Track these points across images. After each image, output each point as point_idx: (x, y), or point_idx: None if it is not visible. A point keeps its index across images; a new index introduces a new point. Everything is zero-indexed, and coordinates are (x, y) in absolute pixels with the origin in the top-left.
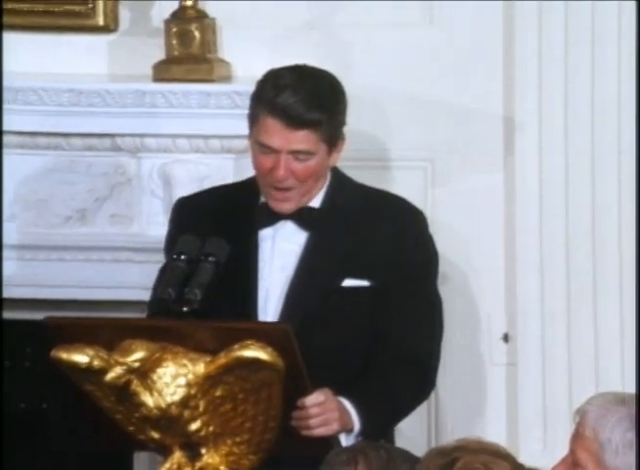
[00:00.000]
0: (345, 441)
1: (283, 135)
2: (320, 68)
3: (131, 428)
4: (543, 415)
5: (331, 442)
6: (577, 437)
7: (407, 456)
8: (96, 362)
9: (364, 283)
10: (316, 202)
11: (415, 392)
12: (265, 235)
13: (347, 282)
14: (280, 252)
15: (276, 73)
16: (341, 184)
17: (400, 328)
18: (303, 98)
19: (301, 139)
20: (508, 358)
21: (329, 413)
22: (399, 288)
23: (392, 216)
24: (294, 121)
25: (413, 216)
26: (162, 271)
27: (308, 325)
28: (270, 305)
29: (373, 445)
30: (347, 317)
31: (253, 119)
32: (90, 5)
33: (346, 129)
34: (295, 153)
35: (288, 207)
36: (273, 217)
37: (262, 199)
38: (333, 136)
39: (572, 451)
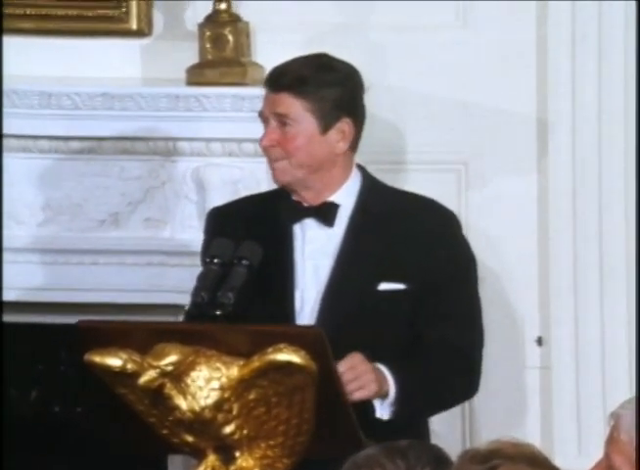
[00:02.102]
0: (380, 409)
1: (268, 99)
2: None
3: (165, 431)
4: (577, 419)
5: (362, 443)
6: (612, 441)
7: (429, 457)
8: (129, 366)
9: (400, 286)
10: (339, 198)
11: (457, 383)
12: (295, 236)
13: (383, 286)
14: (311, 252)
15: None
16: (372, 187)
17: (441, 329)
18: (296, 67)
19: (280, 101)
20: (542, 362)
21: (364, 376)
22: (435, 291)
23: (426, 219)
24: (274, 84)
25: (446, 219)
26: (198, 277)
27: (345, 329)
28: (306, 308)
29: (388, 450)
30: (384, 321)
31: None
32: (124, 9)
33: (379, 132)
34: (277, 118)
35: (281, 177)
36: (297, 213)
37: (292, 197)
38: (323, 111)
39: (607, 455)
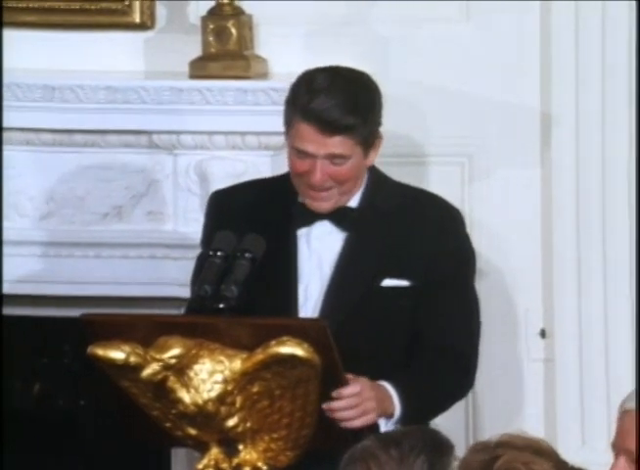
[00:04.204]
0: (385, 427)
1: (318, 141)
2: (355, 68)
3: (168, 424)
4: (581, 411)
5: (365, 436)
6: (628, 433)
7: (425, 444)
8: (132, 359)
9: (403, 283)
10: (354, 201)
11: (455, 387)
12: (301, 232)
13: (386, 282)
14: (317, 249)
15: (310, 77)
16: (378, 183)
17: (440, 327)
18: (338, 103)
19: (337, 144)
20: (545, 354)
21: (366, 403)
22: (438, 288)
23: (430, 216)
24: (328, 127)
25: (451, 216)
26: (198, 265)
27: (348, 325)
28: (309, 302)
29: (383, 441)
30: (387, 317)
31: (288, 124)
32: (127, 2)
33: (384, 125)
34: (331, 157)
35: (326, 206)
36: (311, 217)
37: (300, 198)
38: (368, 138)
39: (628, 451)
